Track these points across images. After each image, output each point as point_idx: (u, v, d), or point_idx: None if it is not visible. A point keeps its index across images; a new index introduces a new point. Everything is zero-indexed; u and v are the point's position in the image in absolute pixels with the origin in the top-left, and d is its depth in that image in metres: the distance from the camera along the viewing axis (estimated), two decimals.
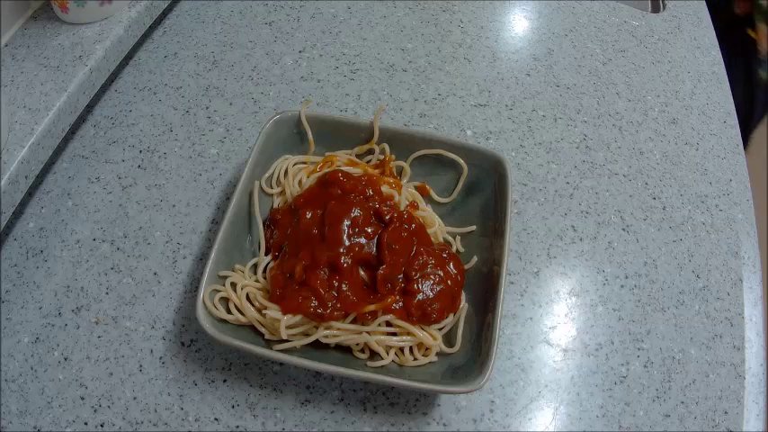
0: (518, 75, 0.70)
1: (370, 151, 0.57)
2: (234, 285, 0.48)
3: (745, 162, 0.65)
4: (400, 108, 0.66)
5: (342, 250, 0.48)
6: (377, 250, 0.49)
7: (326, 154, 0.57)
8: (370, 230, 0.49)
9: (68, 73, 0.59)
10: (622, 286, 0.55)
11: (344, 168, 0.55)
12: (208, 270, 0.47)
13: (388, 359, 0.46)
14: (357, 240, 0.49)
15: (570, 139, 0.65)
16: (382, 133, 0.56)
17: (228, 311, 0.47)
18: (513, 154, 0.63)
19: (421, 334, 0.46)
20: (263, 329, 0.47)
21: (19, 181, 0.53)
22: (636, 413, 0.48)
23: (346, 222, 0.49)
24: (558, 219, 0.59)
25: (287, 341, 0.46)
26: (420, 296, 0.47)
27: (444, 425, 0.47)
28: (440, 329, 0.48)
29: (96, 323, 0.51)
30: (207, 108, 0.66)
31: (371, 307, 0.46)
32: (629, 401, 0.49)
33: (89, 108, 0.65)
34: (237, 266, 0.50)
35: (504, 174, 0.53)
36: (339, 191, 0.51)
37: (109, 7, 0.63)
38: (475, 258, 0.51)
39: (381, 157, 0.56)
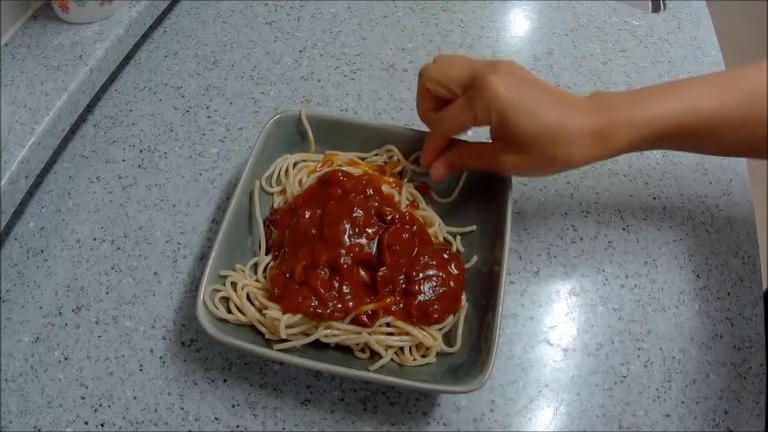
0: None
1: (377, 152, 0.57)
2: (234, 285, 0.48)
3: (746, 162, 0.65)
4: (400, 108, 0.66)
5: (342, 251, 0.48)
6: (377, 251, 0.49)
7: (327, 153, 0.57)
8: (371, 231, 0.49)
9: (69, 72, 0.59)
10: (622, 286, 0.55)
11: (345, 168, 0.55)
12: (208, 269, 0.47)
13: (387, 358, 0.46)
14: (357, 241, 0.49)
15: None
16: (382, 132, 0.56)
17: (229, 311, 0.47)
18: None
19: (421, 335, 0.47)
20: (263, 329, 0.47)
21: (19, 180, 0.53)
22: (636, 413, 0.48)
23: (346, 222, 0.49)
24: (558, 218, 0.59)
25: (287, 341, 0.46)
26: (421, 297, 0.47)
27: (444, 424, 0.47)
28: (440, 329, 0.48)
29: (96, 323, 0.51)
30: (207, 108, 0.66)
31: (369, 307, 0.46)
32: (630, 401, 0.49)
33: (89, 108, 0.65)
34: (238, 266, 0.50)
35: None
36: (339, 190, 0.51)
37: (109, 7, 0.63)
38: (475, 258, 0.51)
39: (386, 159, 0.56)
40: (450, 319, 0.48)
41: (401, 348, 0.47)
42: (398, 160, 0.56)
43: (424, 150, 0.53)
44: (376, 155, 0.57)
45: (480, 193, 0.55)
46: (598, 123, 0.45)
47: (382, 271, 0.48)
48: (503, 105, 0.45)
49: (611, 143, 0.45)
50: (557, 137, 0.45)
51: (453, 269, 0.50)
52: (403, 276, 0.48)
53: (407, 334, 0.47)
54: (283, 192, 0.55)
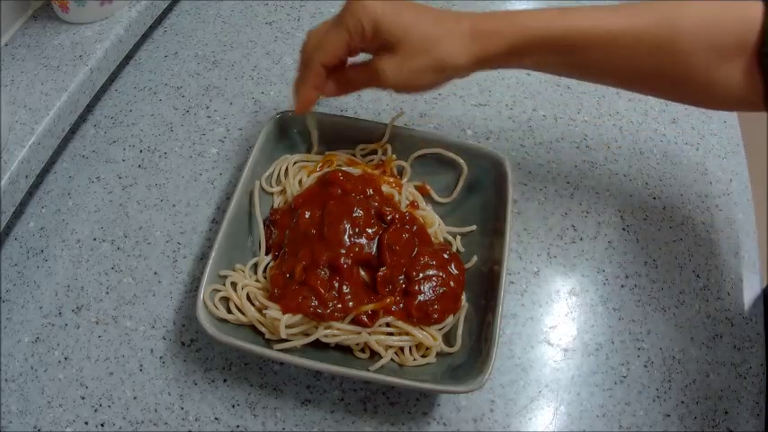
0: (518, 74, 0.70)
1: (373, 151, 0.57)
2: (234, 285, 0.48)
3: (746, 162, 0.65)
4: (400, 108, 0.66)
5: (342, 251, 0.48)
6: (377, 251, 0.49)
7: (326, 153, 0.57)
8: (371, 231, 0.49)
9: (69, 72, 0.59)
10: (622, 286, 0.55)
11: (344, 168, 0.55)
12: (208, 269, 0.47)
13: (386, 358, 0.46)
14: (357, 241, 0.49)
15: (570, 139, 0.65)
16: (382, 132, 0.56)
17: (229, 311, 0.47)
18: (514, 154, 0.63)
19: (421, 335, 0.47)
20: (263, 329, 0.47)
21: (19, 180, 0.53)
22: (636, 413, 0.48)
23: (346, 222, 0.49)
24: (558, 218, 0.59)
25: (287, 341, 0.46)
26: (421, 297, 0.47)
27: (444, 424, 0.47)
28: (440, 329, 0.48)
29: (96, 323, 0.51)
30: (207, 108, 0.66)
31: (369, 307, 0.46)
32: (630, 401, 0.49)
33: (89, 108, 0.65)
34: (238, 266, 0.50)
35: (504, 173, 0.53)
36: (339, 190, 0.51)
37: (109, 7, 0.63)
38: (475, 258, 0.51)
39: (384, 157, 0.56)
40: (450, 319, 0.48)
41: (401, 348, 0.47)
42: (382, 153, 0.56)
43: (301, 89, 0.49)
44: (369, 155, 0.57)
45: (480, 193, 0.55)
46: (478, 24, 0.44)
47: (382, 271, 0.48)
48: (375, 13, 0.44)
49: (490, 41, 0.44)
50: (436, 33, 0.44)
51: (453, 269, 0.50)
52: (403, 276, 0.48)
53: (407, 334, 0.47)
54: (283, 192, 0.55)
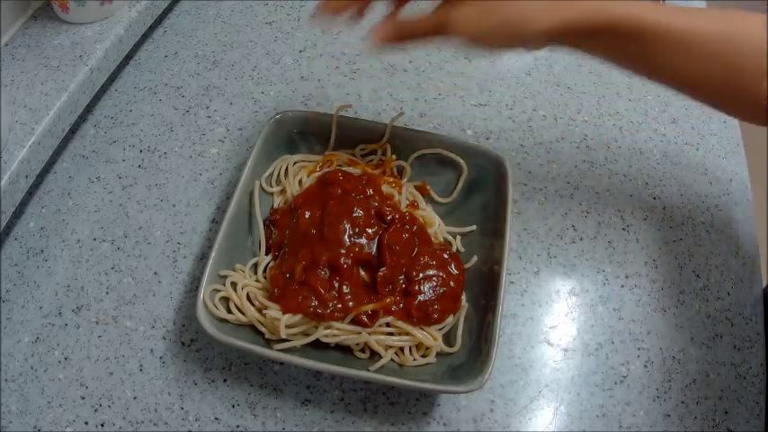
0: (518, 74, 0.70)
1: (373, 151, 0.57)
2: (234, 285, 0.48)
3: (746, 162, 0.65)
4: (400, 108, 0.66)
5: (342, 251, 0.48)
6: (377, 251, 0.49)
7: (326, 153, 0.57)
8: (371, 231, 0.49)
9: (69, 72, 0.59)
10: (622, 286, 0.55)
11: (344, 168, 0.55)
12: (208, 269, 0.47)
13: (386, 358, 0.46)
14: (357, 241, 0.49)
15: (570, 139, 0.65)
16: (382, 132, 0.56)
17: (229, 311, 0.47)
18: (514, 154, 0.63)
19: (421, 335, 0.47)
20: (263, 329, 0.47)
21: (19, 180, 0.53)
22: (636, 413, 0.48)
23: (346, 222, 0.49)
24: (558, 218, 0.59)
25: (287, 341, 0.46)
26: (421, 297, 0.47)
27: (444, 424, 0.47)
28: (440, 329, 0.48)
29: (96, 323, 0.51)
30: (207, 108, 0.66)
31: (369, 307, 0.46)
32: (630, 401, 0.49)
33: (89, 108, 0.65)
34: (238, 266, 0.50)
35: (504, 173, 0.53)
36: (339, 190, 0.51)
37: (109, 7, 0.63)
38: (475, 258, 0.51)
39: (384, 157, 0.57)
40: (450, 319, 0.48)
41: (401, 348, 0.47)
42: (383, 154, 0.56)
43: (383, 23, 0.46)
44: (368, 155, 0.57)
45: (480, 194, 0.55)
46: None
47: (382, 271, 0.48)
48: None
49: (574, 12, 0.41)
50: None
51: (453, 269, 0.50)
52: (403, 276, 0.48)
53: (407, 334, 0.47)
54: (283, 192, 0.55)
